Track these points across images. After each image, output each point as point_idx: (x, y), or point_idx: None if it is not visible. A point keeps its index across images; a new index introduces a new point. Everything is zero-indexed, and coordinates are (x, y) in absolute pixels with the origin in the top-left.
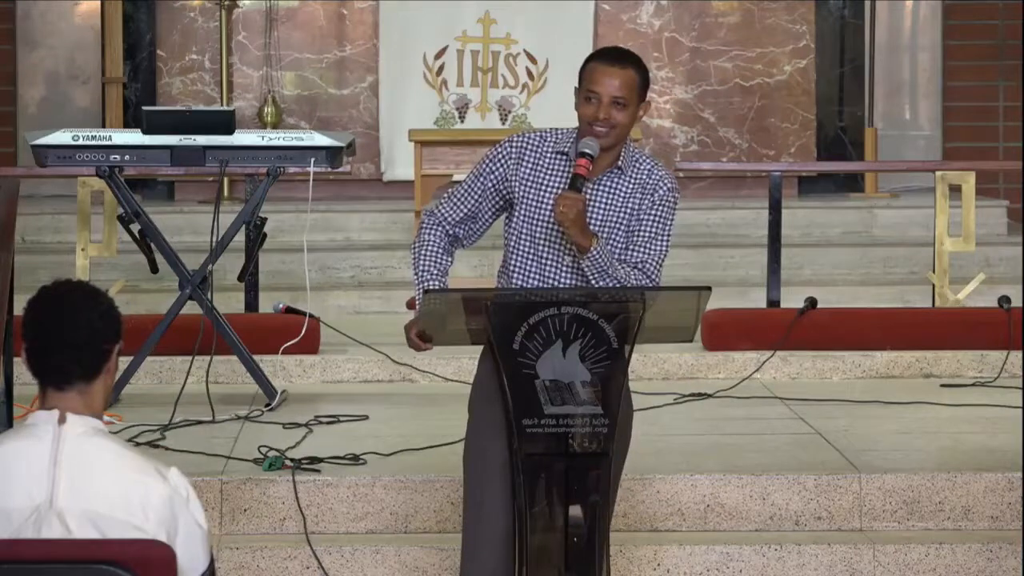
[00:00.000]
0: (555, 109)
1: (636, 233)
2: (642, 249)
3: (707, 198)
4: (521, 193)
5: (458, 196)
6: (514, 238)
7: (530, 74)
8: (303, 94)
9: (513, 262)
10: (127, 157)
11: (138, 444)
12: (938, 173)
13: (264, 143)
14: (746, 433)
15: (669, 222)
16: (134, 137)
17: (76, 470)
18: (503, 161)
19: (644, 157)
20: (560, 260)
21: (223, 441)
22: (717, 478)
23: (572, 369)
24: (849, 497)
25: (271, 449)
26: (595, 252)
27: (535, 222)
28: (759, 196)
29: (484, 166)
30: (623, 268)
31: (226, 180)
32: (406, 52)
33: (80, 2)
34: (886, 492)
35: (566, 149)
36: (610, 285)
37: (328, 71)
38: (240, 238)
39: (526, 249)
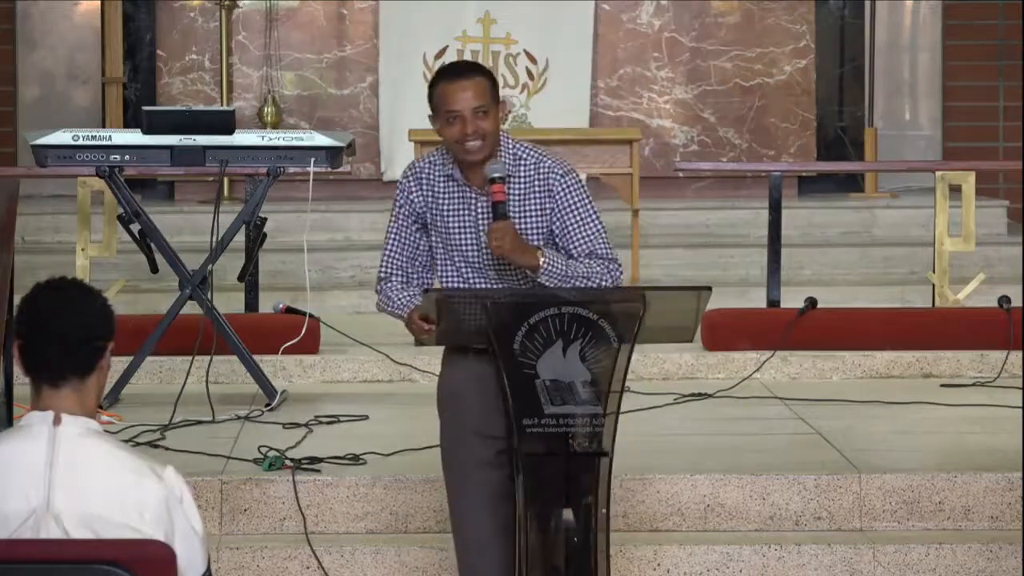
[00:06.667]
0: (555, 109)
1: (566, 228)
2: (582, 238)
3: (707, 198)
4: (429, 220)
5: (390, 249)
6: (439, 263)
7: (530, 74)
8: (303, 94)
9: (444, 285)
10: (127, 157)
11: (138, 444)
12: (938, 173)
13: (264, 143)
14: (746, 433)
15: (587, 201)
16: (134, 137)
17: (72, 473)
18: (408, 195)
19: (524, 150)
20: (484, 275)
21: (223, 441)
22: (717, 478)
23: (572, 369)
24: (849, 497)
25: (271, 449)
26: (547, 265)
27: (448, 246)
28: (759, 196)
29: (396, 210)
30: (579, 264)
31: (226, 180)
32: (406, 52)
33: (80, 2)
34: (886, 492)
35: (450, 171)
36: (579, 286)
37: (328, 71)
38: (240, 238)
39: (451, 273)
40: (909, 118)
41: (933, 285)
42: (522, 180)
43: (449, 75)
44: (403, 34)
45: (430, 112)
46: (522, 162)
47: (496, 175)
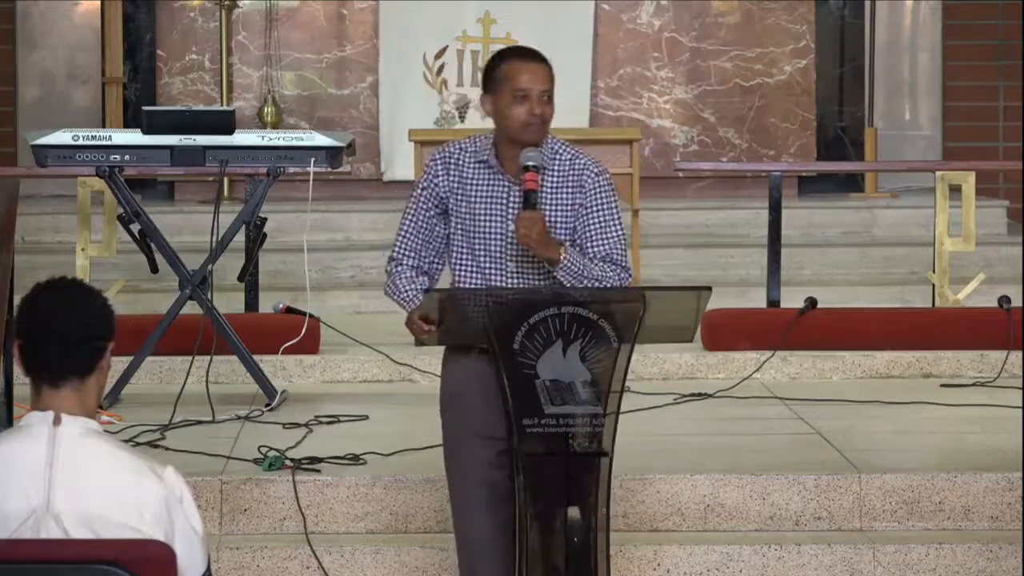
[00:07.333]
0: (555, 109)
1: (587, 227)
2: (601, 240)
3: (707, 198)
4: (453, 205)
5: (406, 230)
6: (455, 251)
7: None
8: (303, 94)
9: (457, 274)
10: (127, 157)
11: (138, 444)
12: (938, 173)
13: (264, 143)
14: (746, 433)
15: (614, 204)
16: (134, 137)
17: (72, 473)
18: (433, 179)
19: (562, 147)
20: (503, 267)
21: (223, 441)
22: (717, 478)
23: (572, 369)
24: (849, 497)
25: (271, 449)
26: (566, 260)
27: (470, 233)
28: (759, 196)
29: (419, 191)
30: (594, 265)
31: (226, 180)
32: (406, 52)
33: (80, 2)
34: (886, 492)
35: (485, 157)
36: (589, 286)
37: (328, 71)
38: (240, 238)
39: (467, 261)
40: (909, 118)
41: (933, 285)
42: (556, 173)
43: (521, 55)
44: (403, 34)
45: (482, 91)
46: (558, 156)
47: (531, 163)
